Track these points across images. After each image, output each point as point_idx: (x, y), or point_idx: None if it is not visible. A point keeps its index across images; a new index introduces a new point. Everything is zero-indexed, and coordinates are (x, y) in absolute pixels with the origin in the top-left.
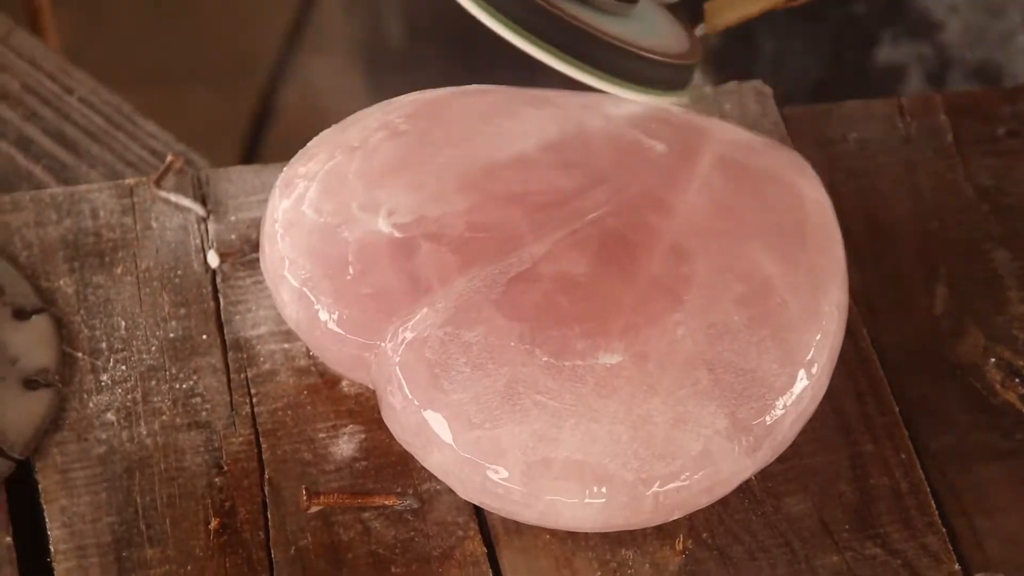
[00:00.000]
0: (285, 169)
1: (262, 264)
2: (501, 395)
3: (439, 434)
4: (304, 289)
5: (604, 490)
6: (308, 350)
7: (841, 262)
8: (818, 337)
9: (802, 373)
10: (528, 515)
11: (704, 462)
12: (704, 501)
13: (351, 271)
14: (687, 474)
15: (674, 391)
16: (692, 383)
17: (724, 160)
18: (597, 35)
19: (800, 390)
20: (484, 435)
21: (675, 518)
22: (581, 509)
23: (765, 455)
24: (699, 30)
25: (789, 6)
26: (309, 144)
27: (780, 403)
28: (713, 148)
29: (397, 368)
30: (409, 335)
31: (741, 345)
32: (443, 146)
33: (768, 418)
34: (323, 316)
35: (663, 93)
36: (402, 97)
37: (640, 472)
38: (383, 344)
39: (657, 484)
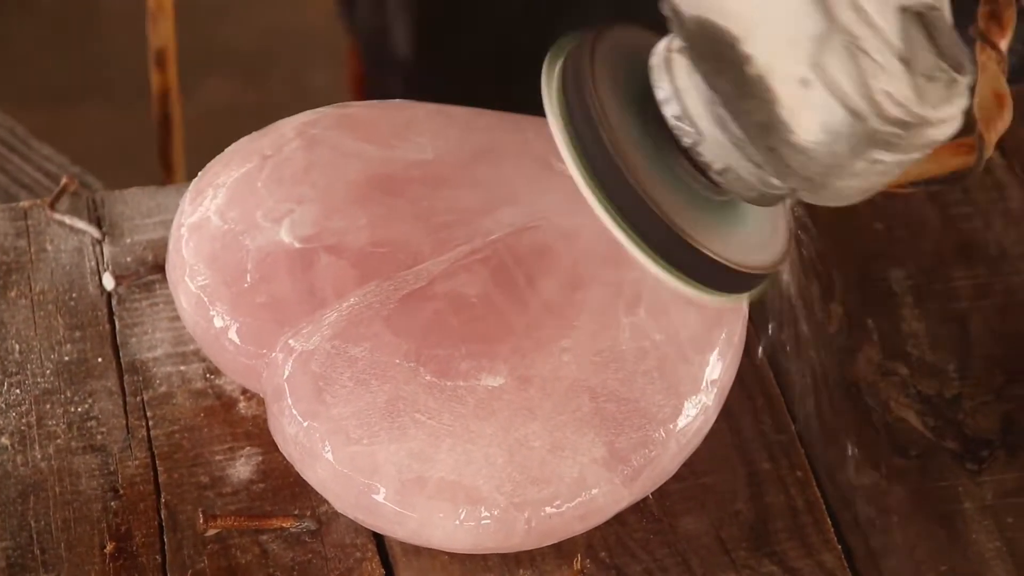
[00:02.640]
0: (200, 175)
1: (167, 268)
2: (381, 412)
3: (318, 448)
4: (201, 295)
5: (476, 512)
6: (204, 372)
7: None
8: (707, 370)
9: (687, 406)
10: (401, 532)
11: (578, 489)
12: (578, 528)
13: (249, 279)
14: (560, 501)
15: (554, 416)
16: (573, 410)
17: None
18: (669, 226)
19: (684, 423)
20: (361, 451)
21: (548, 544)
22: (453, 530)
23: (644, 485)
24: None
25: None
26: (225, 151)
27: (660, 435)
28: None
29: (283, 379)
30: (298, 347)
31: (627, 374)
32: (355, 159)
33: (647, 450)
34: (218, 323)
35: (721, 295)
36: (323, 108)
37: (513, 496)
38: (274, 354)
39: (530, 509)
